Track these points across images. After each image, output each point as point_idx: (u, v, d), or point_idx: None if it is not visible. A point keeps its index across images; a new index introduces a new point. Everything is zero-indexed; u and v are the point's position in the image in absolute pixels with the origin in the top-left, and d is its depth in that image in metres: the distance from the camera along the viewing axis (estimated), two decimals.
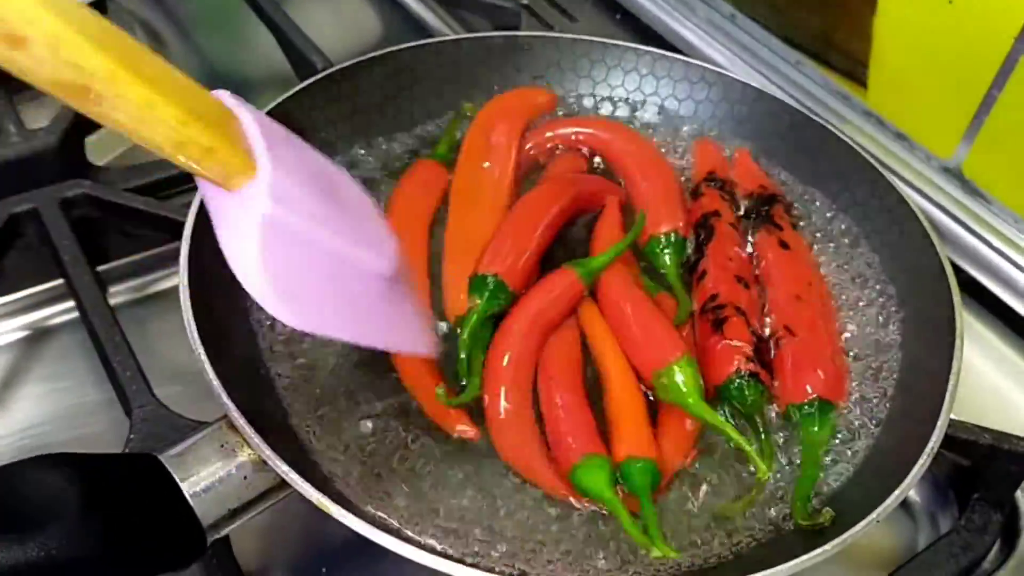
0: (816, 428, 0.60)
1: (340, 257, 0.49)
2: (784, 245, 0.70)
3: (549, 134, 0.79)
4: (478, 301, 0.63)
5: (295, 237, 0.46)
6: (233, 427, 0.51)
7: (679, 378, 0.59)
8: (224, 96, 0.45)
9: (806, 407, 0.61)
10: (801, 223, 0.74)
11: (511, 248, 0.66)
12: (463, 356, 0.61)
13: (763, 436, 0.59)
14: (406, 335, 0.57)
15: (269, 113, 0.68)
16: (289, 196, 0.45)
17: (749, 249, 0.71)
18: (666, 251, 0.69)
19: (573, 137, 0.79)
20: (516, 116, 0.78)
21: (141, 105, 0.39)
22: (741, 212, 0.74)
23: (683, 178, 0.77)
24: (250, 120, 0.45)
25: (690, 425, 0.60)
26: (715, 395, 0.61)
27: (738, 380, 0.60)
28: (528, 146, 0.78)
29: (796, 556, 0.49)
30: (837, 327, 0.67)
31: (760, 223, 0.72)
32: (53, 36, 0.36)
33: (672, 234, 0.70)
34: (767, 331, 0.65)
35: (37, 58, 0.36)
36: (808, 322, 0.65)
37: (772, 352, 0.64)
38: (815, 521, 0.55)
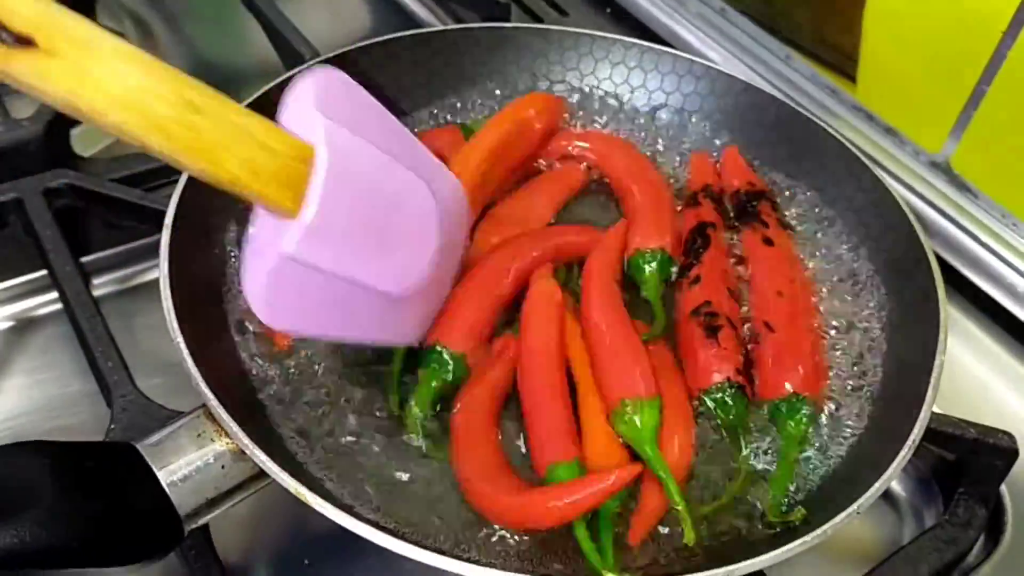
0: (793, 424, 0.60)
1: (349, 285, 0.50)
2: (768, 242, 0.70)
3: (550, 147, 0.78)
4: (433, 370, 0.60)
5: (308, 273, 0.47)
6: (211, 416, 0.50)
7: (639, 419, 0.57)
8: (317, 127, 0.46)
9: (784, 403, 0.61)
10: (787, 216, 0.74)
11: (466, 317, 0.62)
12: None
13: (742, 450, 0.59)
14: (392, 331, 0.57)
15: (252, 104, 0.69)
16: (319, 241, 0.47)
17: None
18: (649, 266, 0.68)
19: (571, 150, 0.78)
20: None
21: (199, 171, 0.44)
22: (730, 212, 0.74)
23: (668, 173, 0.77)
24: (323, 161, 0.46)
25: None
26: (695, 400, 0.61)
27: (726, 388, 0.60)
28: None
29: (777, 547, 0.49)
30: (817, 323, 0.67)
31: (746, 220, 0.72)
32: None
33: (659, 252, 0.68)
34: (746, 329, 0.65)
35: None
36: (788, 318, 0.65)
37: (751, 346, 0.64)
38: (787, 519, 0.55)
